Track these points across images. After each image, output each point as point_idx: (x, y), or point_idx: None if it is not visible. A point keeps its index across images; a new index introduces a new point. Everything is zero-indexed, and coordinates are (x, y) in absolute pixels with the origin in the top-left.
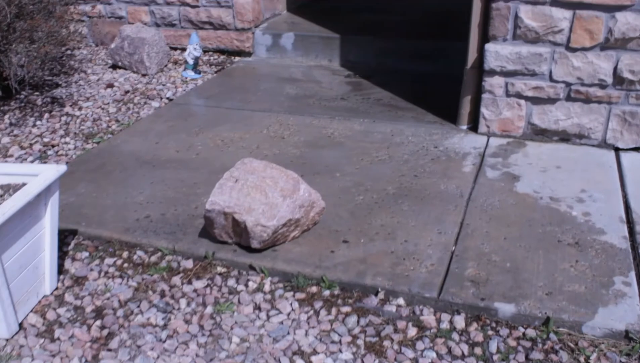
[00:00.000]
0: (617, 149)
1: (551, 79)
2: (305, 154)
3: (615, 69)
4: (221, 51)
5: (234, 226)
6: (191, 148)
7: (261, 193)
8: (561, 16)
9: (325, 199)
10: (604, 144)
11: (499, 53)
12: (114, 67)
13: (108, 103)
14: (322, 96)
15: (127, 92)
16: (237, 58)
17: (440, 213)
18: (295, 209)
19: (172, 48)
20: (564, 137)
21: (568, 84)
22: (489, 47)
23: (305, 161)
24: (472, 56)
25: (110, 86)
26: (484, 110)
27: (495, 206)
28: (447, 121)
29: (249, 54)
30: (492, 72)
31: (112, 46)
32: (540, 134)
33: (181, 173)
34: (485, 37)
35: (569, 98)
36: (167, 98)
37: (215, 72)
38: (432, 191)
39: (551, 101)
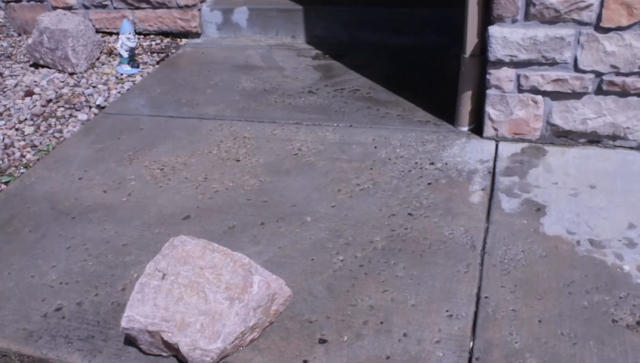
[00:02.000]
0: None
1: (576, 69)
2: (265, 186)
3: None
4: (164, 34)
5: (165, 343)
6: (122, 185)
7: (198, 295)
8: None
9: (293, 266)
10: None
11: (507, 39)
12: (36, 65)
13: (25, 120)
14: (286, 90)
15: (49, 101)
16: (183, 41)
17: (449, 279)
18: (248, 315)
19: (105, 33)
20: (594, 139)
21: (599, 74)
22: (494, 31)
23: (267, 199)
24: (471, 41)
25: (30, 93)
26: (490, 109)
27: (520, 262)
28: (443, 119)
29: (197, 35)
30: (500, 63)
31: (30, 41)
32: (563, 136)
33: (107, 229)
34: (487, 16)
35: (599, 91)
36: (98, 106)
37: (157, 62)
38: (433, 240)
39: (577, 95)
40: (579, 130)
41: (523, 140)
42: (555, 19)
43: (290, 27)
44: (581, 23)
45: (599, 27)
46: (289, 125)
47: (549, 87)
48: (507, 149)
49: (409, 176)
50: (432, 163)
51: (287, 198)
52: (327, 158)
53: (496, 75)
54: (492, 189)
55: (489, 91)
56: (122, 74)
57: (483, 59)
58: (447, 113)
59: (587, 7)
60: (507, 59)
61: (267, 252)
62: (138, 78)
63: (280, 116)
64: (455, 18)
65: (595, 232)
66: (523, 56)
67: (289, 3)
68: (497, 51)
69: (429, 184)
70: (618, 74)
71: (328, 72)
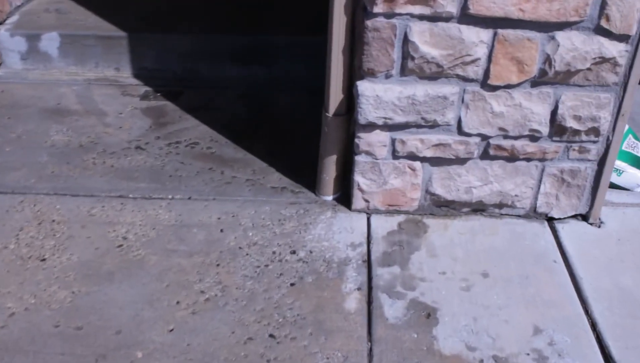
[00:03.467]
0: (550, 219)
1: (460, 132)
2: (80, 300)
3: (553, 113)
4: None
5: None
6: None
7: None
8: (475, 39)
9: None
10: (532, 213)
11: (380, 99)
12: None
13: None
14: (108, 145)
15: None
16: None
17: None
18: None
19: None
20: (479, 207)
21: (485, 137)
22: (365, 88)
23: (81, 324)
24: (335, 97)
25: None
26: (359, 178)
27: None
28: (302, 183)
29: None
30: (371, 126)
31: None
32: (445, 206)
33: None
34: (356, 69)
35: (486, 156)
36: None
37: None
38: None
39: (460, 161)
40: (462, 200)
41: (399, 212)
42: (437, 75)
43: (113, 57)
44: (466, 80)
45: (486, 85)
46: (112, 199)
47: (429, 153)
48: (382, 226)
49: (266, 274)
50: (294, 252)
51: (109, 321)
52: (161, 250)
53: (367, 140)
54: (369, 288)
55: (358, 158)
56: None
57: (350, 119)
58: (306, 175)
59: (473, 61)
60: (380, 122)
61: None
62: None
63: (100, 185)
64: (314, 46)
65: (498, 344)
66: (399, 118)
67: (110, 28)
68: (368, 112)
69: (292, 285)
70: (506, 137)
71: (160, 118)
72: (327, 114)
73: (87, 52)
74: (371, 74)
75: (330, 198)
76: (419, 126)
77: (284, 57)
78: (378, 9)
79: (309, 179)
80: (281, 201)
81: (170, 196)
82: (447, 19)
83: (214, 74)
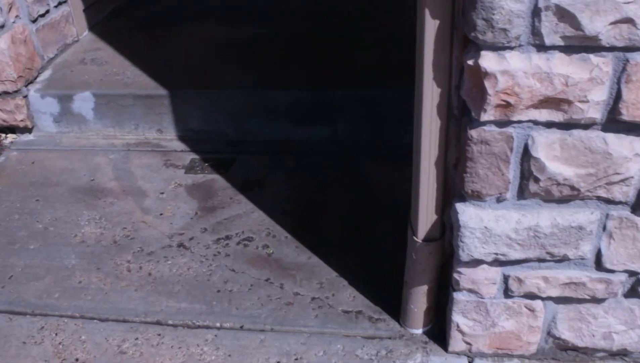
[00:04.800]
0: None
1: (600, 267)
2: None
3: None
4: None
5: None
6: None
7: None
8: (628, 152)
9: None
10: None
11: (490, 231)
12: None
13: None
14: (146, 241)
15: None
16: (9, 138)
17: None
18: None
19: None
20: (619, 353)
21: (634, 274)
22: (468, 218)
23: None
24: (425, 219)
25: None
26: (459, 318)
27: None
28: (380, 304)
29: (27, 130)
30: (476, 262)
31: None
32: (573, 350)
33: None
34: (453, 187)
35: (634, 294)
36: None
37: None
38: None
39: (597, 300)
40: (597, 346)
41: (511, 356)
42: (570, 198)
43: (154, 118)
44: (611, 202)
45: (639, 209)
46: (147, 327)
47: (554, 292)
48: None
49: None
50: None
51: None
52: None
53: (470, 276)
54: None
55: (457, 295)
56: None
57: (443, 246)
58: (386, 291)
59: (623, 180)
60: (489, 259)
61: None
62: None
63: (134, 304)
64: (384, 101)
65: None
66: (516, 254)
67: (150, 85)
68: (473, 248)
69: None
70: None
71: (208, 200)
72: (415, 238)
73: (125, 112)
74: (477, 197)
75: (419, 331)
76: (541, 261)
77: (350, 114)
78: (488, 115)
79: (390, 299)
80: (356, 336)
81: (218, 325)
82: (587, 126)
83: (269, 135)
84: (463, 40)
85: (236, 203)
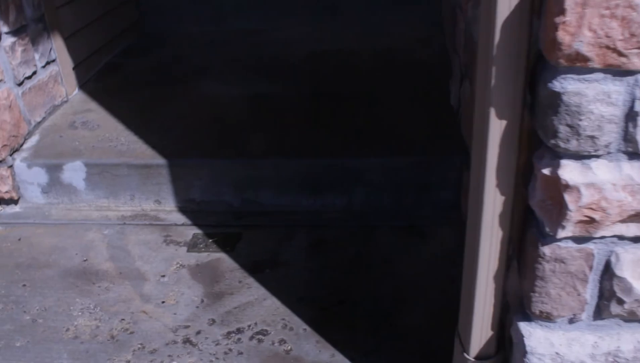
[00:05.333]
0: None
1: None
2: None
3: None
4: None
5: None
6: None
7: None
8: None
9: None
10: None
11: (562, 357)
12: None
13: None
14: (147, 336)
15: None
16: None
17: None
18: None
19: None
20: None
21: None
22: (536, 343)
23: None
24: (479, 335)
25: None
26: None
27: None
28: None
29: (14, 201)
30: None
31: None
32: None
33: None
34: (504, 292)
35: None
36: None
37: None
38: None
39: None
40: None
41: None
42: None
43: (152, 188)
44: None
45: None
46: None
47: None
48: None
49: None
50: None
51: None
52: None
53: None
54: None
55: None
56: None
57: (500, 360)
58: None
59: None
60: None
61: None
62: None
63: None
64: (402, 169)
65: None
66: None
67: (146, 154)
68: None
69: None
70: None
71: (214, 284)
72: (466, 356)
73: (119, 183)
74: (546, 318)
75: None
76: None
77: (366, 183)
78: (566, 232)
79: None
80: None
81: None
82: None
83: (279, 206)
84: (527, 137)
85: (246, 288)
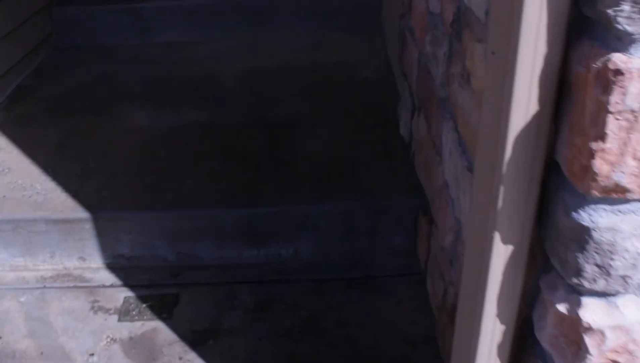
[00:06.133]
0: None
1: None
2: None
3: None
4: None
5: None
6: None
7: None
8: None
9: None
10: None
11: None
12: None
13: None
14: None
15: None
16: None
17: None
18: None
19: None
20: None
21: None
22: None
23: None
24: None
25: None
26: None
27: None
28: None
29: None
30: None
31: None
32: None
33: None
34: None
35: None
36: None
37: None
38: None
39: None
40: None
41: None
42: None
43: (75, 244)
44: None
45: None
46: None
47: None
48: None
49: None
50: None
51: None
52: None
53: None
54: None
55: None
56: None
57: None
58: None
59: None
60: None
61: None
62: None
63: None
64: (352, 215)
65: None
66: None
67: (66, 206)
68: None
69: None
70: None
71: (152, 362)
72: None
73: (37, 239)
74: None
75: None
76: None
77: (313, 230)
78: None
79: None
80: None
81: None
82: None
83: (218, 259)
84: (532, 253)
85: None
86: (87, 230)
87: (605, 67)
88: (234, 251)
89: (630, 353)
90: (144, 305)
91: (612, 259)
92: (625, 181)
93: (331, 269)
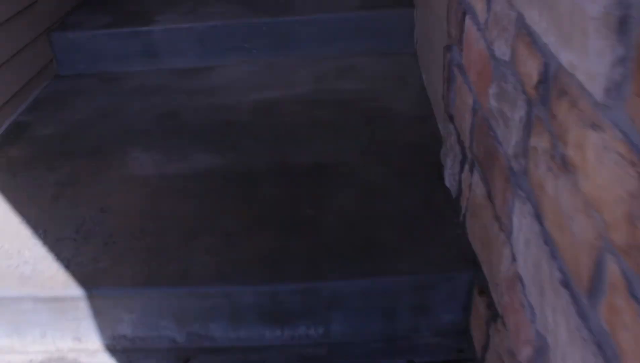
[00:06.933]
0: None
1: None
2: None
3: None
4: None
5: None
6: None
7: None
8: None
9: None
10: None
11: None
12: None
13: None
14: None
15: None
16: None
17: None
18: None
19: None
20: None
21: None
22: None
23: None
24: None
25: None
26: None
27: None
28: None
29: None
30: None
31: None
32: None
33: None
34: None
35: None
36: None
37: None
38: None
39: None
40: None
41: None
42: None
43: (68, 324)
44: None
45: None
46: None
47: None
48: None
49: None
50: None
51: None
52: None
53: None
54: None
55: None
56: None
57: None
58: None
59: None
60: None
61: None
62: None
63: None
64: (396, 292)
65: None
66: None
67: (57, 281)
68: None
69: None
70: None
71: None
72: None
73: (24, 319)
74: None
75: None
76: None
77: (345, 309)
78: None
79: None
80: None
81: None
82: None
83: (235, 341)
84: None
85: None
86: (81, 310)
87: None
88: (253, 331)
89: None
90: None
91: None
92: None
93: (367, 351)
